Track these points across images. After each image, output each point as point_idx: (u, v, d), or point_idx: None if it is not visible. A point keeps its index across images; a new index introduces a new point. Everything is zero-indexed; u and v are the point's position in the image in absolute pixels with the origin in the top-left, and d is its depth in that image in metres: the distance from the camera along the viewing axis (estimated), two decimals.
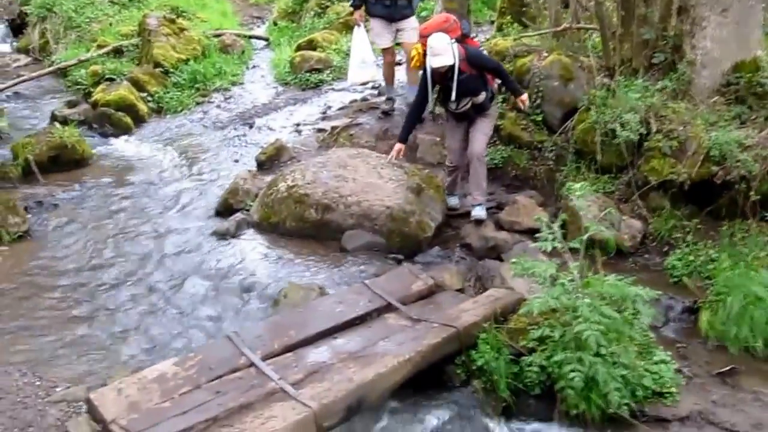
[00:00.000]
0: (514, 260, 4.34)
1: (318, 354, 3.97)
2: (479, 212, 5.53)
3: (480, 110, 5.56)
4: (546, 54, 6.26)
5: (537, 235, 4.27)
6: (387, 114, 7.10)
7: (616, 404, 3.78)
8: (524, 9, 7.60)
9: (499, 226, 5.56)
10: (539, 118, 6.29)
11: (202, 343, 4.28)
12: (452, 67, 5.30)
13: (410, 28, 6.74)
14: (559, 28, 6.57)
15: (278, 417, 3.39)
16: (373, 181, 5.45)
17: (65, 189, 6.46)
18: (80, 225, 5.85)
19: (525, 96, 5.61)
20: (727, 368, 4.27)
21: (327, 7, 10.47)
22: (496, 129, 6.38)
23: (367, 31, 6.99)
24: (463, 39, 5.50)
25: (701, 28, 5.65)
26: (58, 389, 3.70)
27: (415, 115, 5.79)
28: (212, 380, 3.68)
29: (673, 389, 4.00)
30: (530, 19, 7.43)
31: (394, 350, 3.95)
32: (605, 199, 5.52)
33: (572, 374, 3.75)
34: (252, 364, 3.80)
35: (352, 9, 7.15)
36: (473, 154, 5.53)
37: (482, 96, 5.48)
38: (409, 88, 7.07)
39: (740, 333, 4.41)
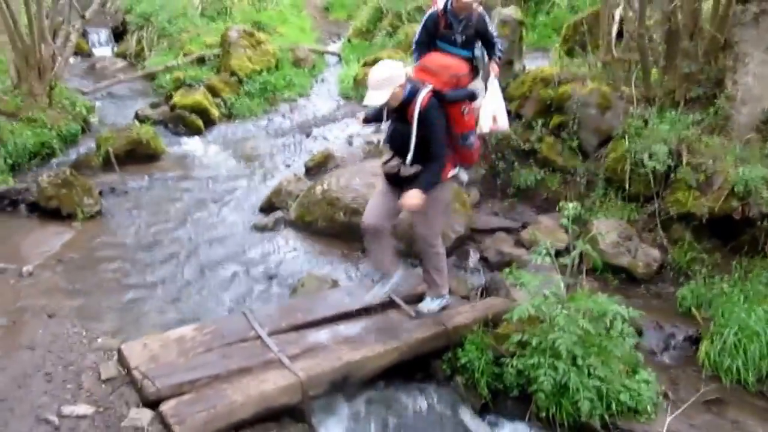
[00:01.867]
0: (508, 271, 4.84)
1: (318, 335, 4.58)
2: (427, 304, 4.93)
3: (409, 183, 4.48)
4: (589, 82, 6.69)
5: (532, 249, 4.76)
6: None
7: (586, 413, 4.16)
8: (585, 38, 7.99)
9: (520, 244, 6.03)
10: (575, 144, 6.70)
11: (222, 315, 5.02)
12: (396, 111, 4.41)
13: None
14: (604, 58, 6.98)
15: (270, 381, 4.05)
16: None
17: (136, 179, 7.44)
18: (143, 210, 6.77)
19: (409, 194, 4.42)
20: (714, 397, 4.57)
21: (398, 27, 11.28)
22: (532, 153, 6.89)
23: None
24: (448, 102, 4.41)
25: (744, 64, 5.92)
26: (98, 340, 4.52)
27: None
28: (222, 346, 4.35)
29: (649, 408, 4.31)
30: (589, 47, 7.83)
31: (385, 339, 4.52)
32: (626, 227, 5.88)
33: (543, 378, 4.17)
34: (259, 337, 4.46)
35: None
36: (417, 237, 4.83)
37: (413, 169, 4.47)
38: None
39: (734, 365, 4.67)
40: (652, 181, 5.88)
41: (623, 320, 4.34)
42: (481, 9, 6.40)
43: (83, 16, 9.02)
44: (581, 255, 5.42)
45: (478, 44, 6.45)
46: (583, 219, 6.26)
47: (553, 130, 6.89)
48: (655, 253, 5.75)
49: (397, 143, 4.56)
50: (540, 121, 6.96)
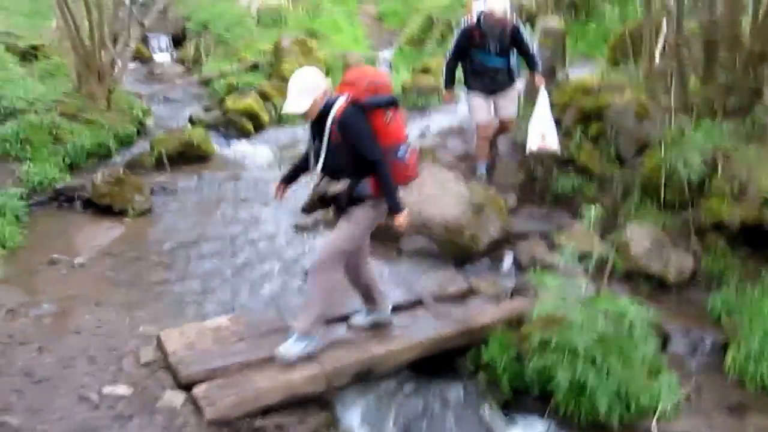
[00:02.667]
0: (533, 272, 5.06)
1: (345, 329, 4.85)
2: (286, 350, 4.40)
3: (338, 204, 4.44)
4: (628, 91, 6.85)
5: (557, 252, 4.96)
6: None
7: (604, 412, 4.34)
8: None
9: (553, 248, 6.21)
10: (612, 152, 6.85)
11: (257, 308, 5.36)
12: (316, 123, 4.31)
13: (510, 100, 7.01)
14: (645, 68, 7.12)
15: (296, 370, 4.33)
16: (436, 194, 6.30)
17: (186, 179, 7.90)
18: (191, 208, 7.22)
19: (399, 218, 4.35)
20: (737, 402, 4.70)
21: (448, 36, 11.60)
22: (570, 160, 7.06)
23: None
24: (367, 108, 4.24)
25: None
26: (140, 327, 4.91)
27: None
28: (254, 336, 4.65)
29: (669, 410, 4.47)
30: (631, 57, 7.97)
31: (409, 335, 4.78)
32: (660, 234, 5.99)
33: (560, 376, 4.35)
34: (289, 329, 4.73)
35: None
36: (312, 263, 4.51)
37: (339, 186, 4.33)
38: (479, 162, 7.27)
39: (758, 371, 4.78)
40: (686, 189, 6.00)
41: (642, 322, 4.52)
42: (515, 20, 6.65)
43: (142, 24, 9.63)
44: (615, 262, 5.66)
45: (514, 52, 6.72)
46: (617, 226, 6.44)
47: (592, 138, 7.06)
48: (688, 260, 5.85)
49: (331, 163, 4.33)
50: (579, 129, 7.15)
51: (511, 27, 6.60)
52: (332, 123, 4.21)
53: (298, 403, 4.29)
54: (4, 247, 6.08)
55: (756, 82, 6.16)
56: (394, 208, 4.36)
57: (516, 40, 6.65)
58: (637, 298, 5.34)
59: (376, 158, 4.25)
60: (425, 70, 10.41)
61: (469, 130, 7.98)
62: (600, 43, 10.33)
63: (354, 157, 4.25)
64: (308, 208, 7.00)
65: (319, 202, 4.63)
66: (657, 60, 7.18)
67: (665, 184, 6.15)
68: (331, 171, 4.34)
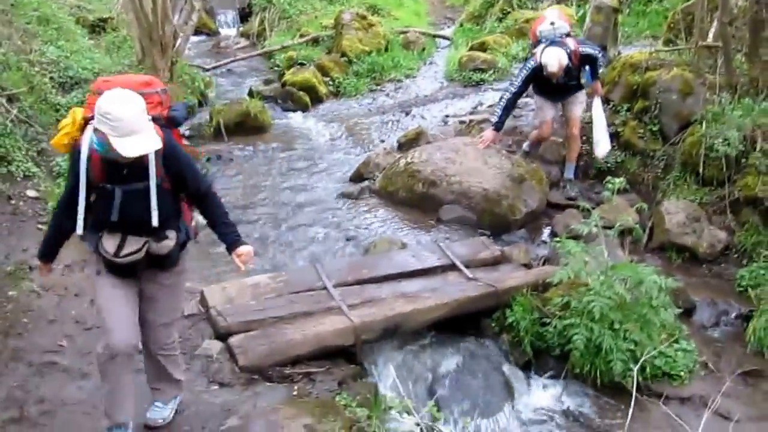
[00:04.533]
0: (557, 239, 5.48)
1: (378, 290, 5.30)
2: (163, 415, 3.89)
3: (160, 265, 3.55)
4: (674, 68, 7.13)
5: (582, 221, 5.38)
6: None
7: (619, 373, 4.69)
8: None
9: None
10: (656, 128, 7.13)
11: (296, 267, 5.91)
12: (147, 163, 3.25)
13: (577, 102, 7.04)
14: (687, 45, 7.38)
15: (327, 324, 4.79)
16: (477, 166, 6.76)
17: (242, 148, 8.52)
18: (245, 176, 7.83)
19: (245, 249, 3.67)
20: (751, 369, 5.03)
21: (508, 13, 11.96)
22: (615, 136, 7.35)
23: None
24: (170, 124, 3.45)
25: None
26: (187, 283, 5.08)
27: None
28: (291, 293, 5.13)
29: (682, 374, 4.88)
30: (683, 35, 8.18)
31: (437, 296, 5.18)
32: (696, 208, 6.32)
33: (576, 337, 4.74)
34: (325, 288, 5.22)
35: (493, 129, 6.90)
36: (156, 328, 3.73)
37: (170, 239, 3.47)
38: (568, 164, 7.35)
39: None
40: (724, 165, 6.27)
41: (660, 290, 4.87)
42: (581, 48, 6.71)
43: None
44: (651, 232, 5.97)
45: (586, 69, 6.82)
46: (657, 200, 6.77)
47: (637, 114, 7.34)
48: (721, 234, 6.16)
49: (135, 215, 3.33)
50: (625, 106, 7.46)
51: (578, 58, 6.66)
52: (156, 158, 3.28)
53: (328, 355, 4.70)
54: None
55: None
56: (240, 241, 3.74)
57: (587, 63, 6.76)
58: (666, 268, 5.76)
59: (209, 184, 3.64)
60: (482, 46, 10.78)
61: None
62: (661, 22, 10.49)
63: (177, 198, 3.53)
64: (355, 178, 7.57)
65: (124, 272, 3.53)
66: (710, 38, 7.42)
67: (704, 161, 6.45)
68: (160, 223, 3.39)
